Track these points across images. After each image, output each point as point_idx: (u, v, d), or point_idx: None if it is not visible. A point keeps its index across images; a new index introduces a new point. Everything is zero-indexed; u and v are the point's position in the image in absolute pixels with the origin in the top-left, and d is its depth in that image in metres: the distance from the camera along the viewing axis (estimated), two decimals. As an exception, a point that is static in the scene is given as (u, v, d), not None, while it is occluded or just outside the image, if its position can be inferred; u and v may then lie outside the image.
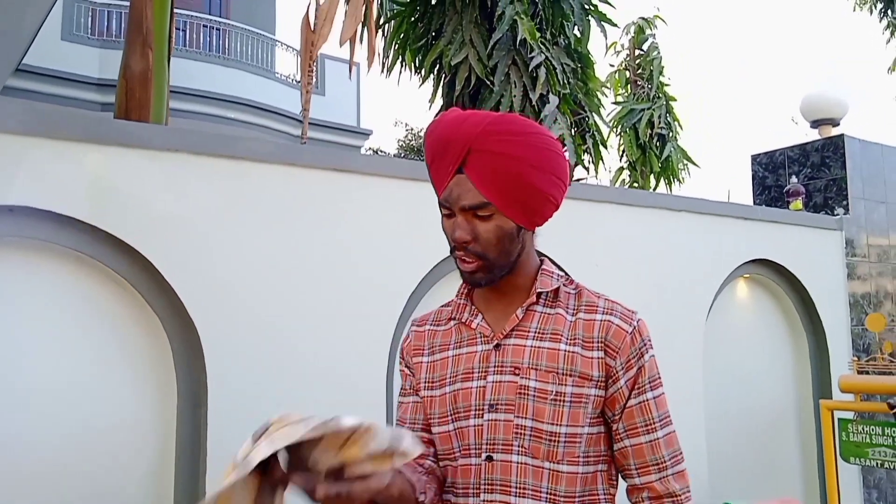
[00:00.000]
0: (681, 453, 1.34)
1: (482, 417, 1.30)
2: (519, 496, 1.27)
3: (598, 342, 1.31)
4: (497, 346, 1.33)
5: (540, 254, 1.44)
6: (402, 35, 4.77)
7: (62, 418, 2.28)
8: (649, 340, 1.35)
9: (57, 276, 2.33)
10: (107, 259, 2.35)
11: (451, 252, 1.32)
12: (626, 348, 1.31)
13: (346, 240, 2.76)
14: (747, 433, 4.31)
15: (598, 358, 1.30)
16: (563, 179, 1.33)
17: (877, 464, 3.85)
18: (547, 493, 1.27)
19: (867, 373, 4.05)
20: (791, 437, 4.56)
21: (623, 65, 6.23)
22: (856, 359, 4.35)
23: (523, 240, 1.34)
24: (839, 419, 4.02)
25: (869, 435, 3.88)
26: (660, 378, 1.36)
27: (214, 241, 2.48)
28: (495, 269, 1.30)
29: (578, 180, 4.11)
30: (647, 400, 1.33)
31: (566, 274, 1.44)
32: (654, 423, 1.32)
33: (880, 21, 12.86)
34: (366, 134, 14.54)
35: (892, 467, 3.80)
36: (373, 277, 2.80)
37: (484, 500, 1.28)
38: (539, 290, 1.35)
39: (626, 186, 5.89)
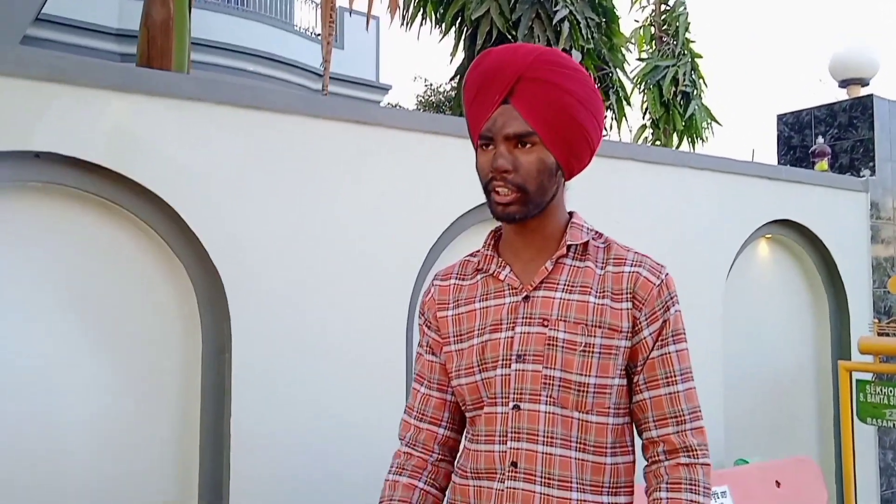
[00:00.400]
0: (699, 410, 1.34)
1: (510, 367, 1.30)
2: (547, 444, 1.27)
3: (626, 294, 1.31)
4: (526, 298, 1.33)
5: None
6: (424, -13, 4.69)
7: (87, 366, 2.33)
8: (676, 295, 1.35)
9: (82, 222, 2.35)
10: (131, 206, 2.37)
11: (486, 187, 1.30)
12: (651, 300, 1.31)
13: (366, 191, 2.76)
14: (765, 392, 4.32)
15: (627, 309, 1.30)
16: (602, 125, 1.34)
17: (893, 425, 3.86)
18: (577, 442, 1.28)
19: (887, 335, 4.02)
20: (808, 397, 4.57)
21: (648, 20, 6.10)
22: (876, 321, 4.32)
23: (560, 182, 1.33)
24: (857, 380, 4.02)
25: (887, 396, 3.88)
26: (684, 333, 1.36)
27: (237, 191, 2.49)
28: (530, 205, 1.29)
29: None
30: (670, 353, 1.33)
31: (593, 228, 1.43)
32: (674, 377, 1.33)
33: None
34: (384, 89, 14.42)
35: (908, 429, 3.81)
36: (393, 228, 2.81)
37: (511, 448, 1.29)
38: (569, 243, 1.34)
39: (649, 144, 5.82)
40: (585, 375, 1.27)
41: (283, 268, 2.56)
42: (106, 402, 2.35)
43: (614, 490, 1.31)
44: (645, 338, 1.31)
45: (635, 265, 1.33)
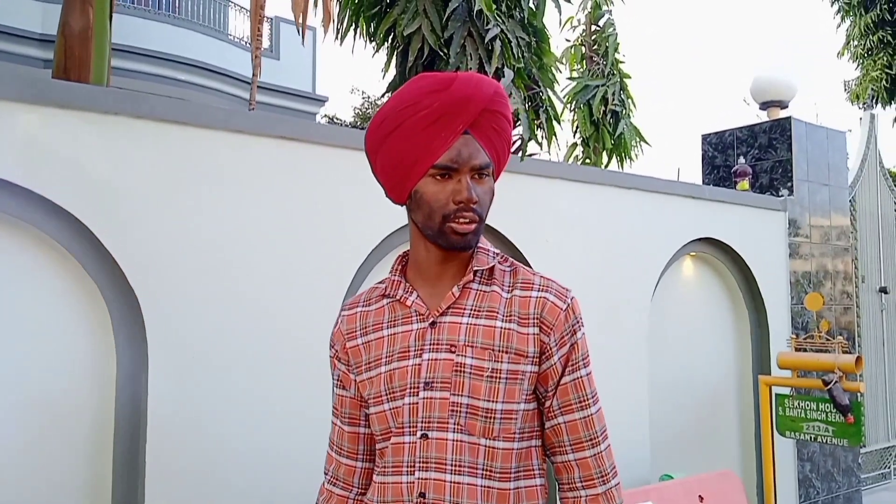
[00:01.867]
0: (607, 429, 1.36)
1: (417, 395, 1.29)
2: (454, 473, 1.26)
3: (533, 318, 1.31)
4: (433, 324, 1.32)
5: (503, 238, 1.48)
6: (356, 0, 4.66)
7: (-6, 388, 2.21)
8: (581, 318, 1.36)
9: (-12, 241, 2.24)
10: (42, 224, 2.27)
11: (445, 217, 1.27)
12: (559, 325, 1.31)
13: (293, 208, 2.72)
14: (689, 407, 4.42)
15: (534, 334, 1.30)
16: None
17: (810, 437, 3.99)
18: (483, 469, 1.27)
19: (805, 350, 4.17)
20: (730, 411, 4.70)
21: (579, 40, 6.22)
22: (794, 336, 4.47)
23: None
24: (776, 394, 4.15)
25: (804, 410, 4.02)
26: (589, 356, 1.37)
27: (156, 208, 2.41)
28: (480, 233, 1.33)
29: (531, 155, 4.10)
30: (581, 377, 1.33)
31: (499, 252, 1.43)
32: (587, 400, 1.33)
33: (832, 5, 13.07)
34: (321, 101, 14.30)
35: (825, 441, 3.94)
36: (321, 246, 2.77)
37: (419, 478, 1.28)
38: (475, 268, 1.34)
39: (579, 163, 5.91)
40: (492, 402, 1.27)
41: (204, 289, 2.49)
42: (10, 430, 2.23)
43: (540, 470, 1.34)
44: (555, 363, 1.31)
45: (542, 289, 1.33)
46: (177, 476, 2.38)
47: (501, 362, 1.28)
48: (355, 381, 1.40)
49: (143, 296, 2.36)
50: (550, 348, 1.31)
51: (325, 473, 1.50)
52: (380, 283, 1.45)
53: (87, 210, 2.28)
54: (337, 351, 1.45)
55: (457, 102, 1.27)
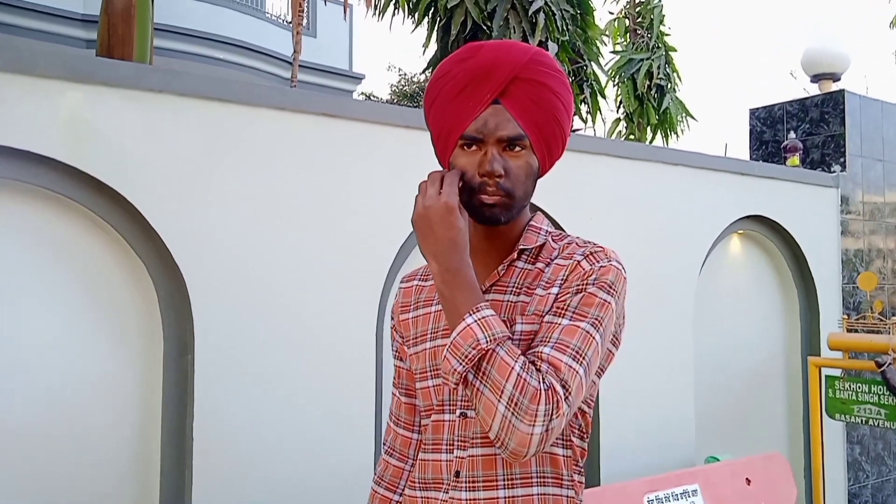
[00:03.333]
0: (581, 352, 1.14)
1: None
2: (490, 452, 1.23)
3: (560, 280, 1.24)
4: None
5: (535, 207, 1.39)
6: (396, -25, 4.60)
7: (43, 370, 2.24)
8: (608, 282, 1.21)
9: (36, 219, 2.26)
10: (88, 202, 2.28)
11: (469, 189, 1.22)
12: (574, 278, 1.22)
13: (335, 186, 2.69)
14: (735, 388, 4.34)
15: (553, 293, 1.22)
16: (570, 130, 1.30)
17: (861, 420, 3.89)
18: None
19: (856, 331, 4.05)
20: (778, 393, 4.60)
21: (623, 12, 6.06)
22: (846, 316, 4.35)
23: (535, 185, 1.30)
24: (826, 376, 4.04)
25: (855, 392, 3.91)
26: (595, 319, 1.18)
27: (200, 186, 2.41)
28: (514, 209, 1.25)
29: (575, 131, 4.02)
30: (560, 323, 1.17)
31: (558, 230, 1.38)
32: (566, 311, 1.18)
33: (884, -26, 12.57)
34: (358, 78, 14.26)
35: (876, 424, 3.83)
36: (362, 225, 2.75)
37: (457, 456, 1.26)
38: (522, 247, 1.29)
39: (623, 138, 5.80)
40: None
41: (248, 266, 2.49)
42: (62, 404, 2.26)
43: (569, 481, 1.26)
44: (546, 297, 1.22)
45: (581, 256, 1.25)
46: (223, 452, 2.40)
47: (517, 323, 1.22)
48: (408, 353, 1.39)
49: (188, 273, 2.36)
50: (557, 295, 1.21)
51: (384, 444, 1.49)
52: None
53: (131, 187, 2.29)
54: (394, 323, 1.45)
55: (482, 70, 1.22)
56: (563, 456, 1.26)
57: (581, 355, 1.14)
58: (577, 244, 1.30)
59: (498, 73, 1.21)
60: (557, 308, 1.20)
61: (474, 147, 1.23)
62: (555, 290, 1.23)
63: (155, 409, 2.40)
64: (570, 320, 1.17)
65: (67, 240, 2.30)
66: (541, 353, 1.14)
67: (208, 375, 2.39)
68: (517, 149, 1.22)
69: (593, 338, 1.17)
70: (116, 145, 2.28)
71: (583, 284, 1.20)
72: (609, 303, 1.20)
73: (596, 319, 1.18)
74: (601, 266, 1.22)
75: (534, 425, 1.07)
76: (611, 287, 1.21)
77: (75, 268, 2.31)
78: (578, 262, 1.24)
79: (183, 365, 2.40)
